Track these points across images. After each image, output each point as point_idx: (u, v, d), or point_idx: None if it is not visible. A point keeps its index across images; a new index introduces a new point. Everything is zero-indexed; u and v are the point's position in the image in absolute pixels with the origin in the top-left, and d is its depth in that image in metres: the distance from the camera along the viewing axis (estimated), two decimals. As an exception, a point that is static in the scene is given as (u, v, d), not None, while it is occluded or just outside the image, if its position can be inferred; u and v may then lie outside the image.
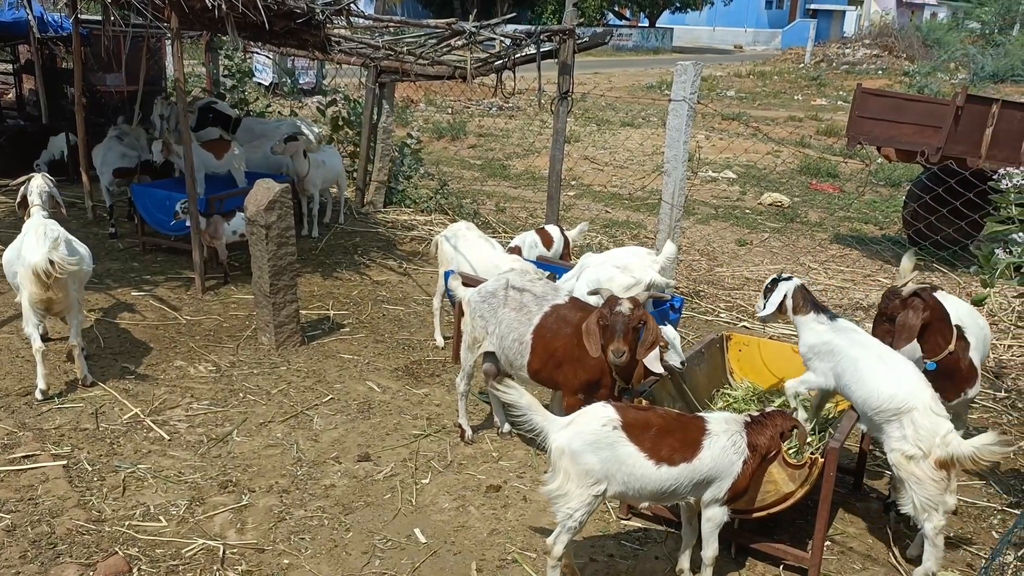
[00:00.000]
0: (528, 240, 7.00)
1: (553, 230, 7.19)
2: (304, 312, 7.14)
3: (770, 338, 6.06)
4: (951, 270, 9.13)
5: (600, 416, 3.61)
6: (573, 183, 13.45)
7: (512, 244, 6.95)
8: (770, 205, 12.47)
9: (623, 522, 4.58)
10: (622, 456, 3.55)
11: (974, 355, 4.49)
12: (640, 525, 4.56)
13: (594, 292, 4.66)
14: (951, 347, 4.32)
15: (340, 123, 11.64)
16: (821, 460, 3.96)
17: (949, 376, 4.39)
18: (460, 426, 5.23)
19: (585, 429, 3.57)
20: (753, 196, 13.07)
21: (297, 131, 9.98)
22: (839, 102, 24.48)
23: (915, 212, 9.74)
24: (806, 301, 4.35)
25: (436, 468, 5.02)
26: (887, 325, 4.30)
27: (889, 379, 3.92)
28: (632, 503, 4.40)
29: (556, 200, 8.37)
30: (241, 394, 5.80)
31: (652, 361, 4.26)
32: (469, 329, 4.95)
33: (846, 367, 4.10)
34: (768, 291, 4.50)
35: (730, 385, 5.22)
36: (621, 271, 5.56)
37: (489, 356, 4.99)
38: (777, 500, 4.13)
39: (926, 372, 4.20)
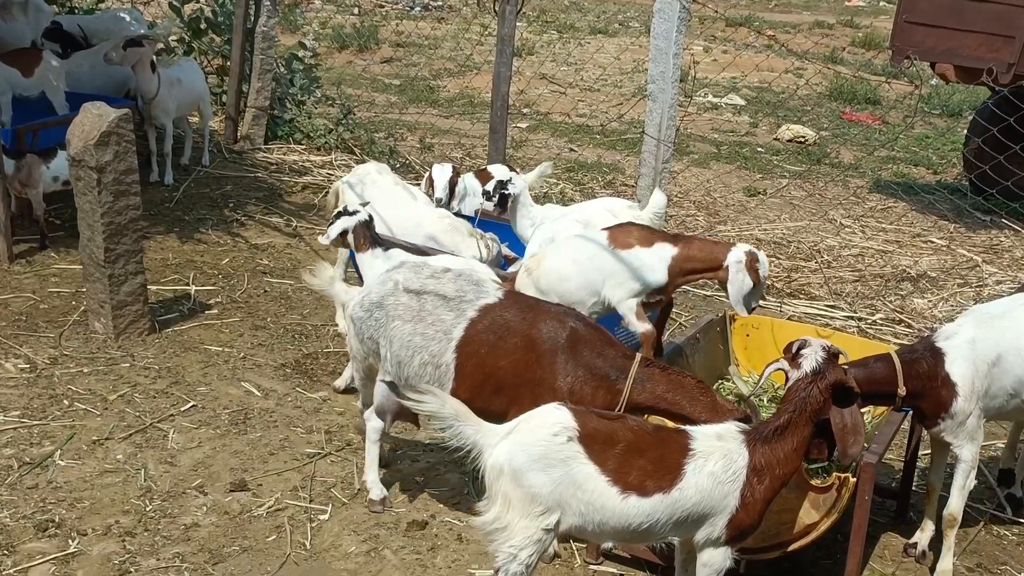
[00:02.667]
0: (463, 186, 6.99)
1: (499, 172, 7.17)
2: (154, 288, 7.05)
3: (788, 318, 6.16)
4: (1026, 227, 9.37)
5: (551, 422, 3.61)
6: (526, 111, 13.46)
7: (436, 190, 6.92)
8: (790, 141, 12.63)
9: (592, 567, 4.62)
10: (578, 478, 3.56)
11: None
12: (615, 571, 4.61)
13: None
14: None
15: (203, 26, 11.44)
16: (853, 480, 4.04)
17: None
18: (365, 485, 5.04)
19: (530, 439, 3.57)
20: (767, 129, 13.22)
21: (135, 31, 9.84)
22: (882, 3, 24.84)
23: (979, 150, 9.92)
24: (367, 239, 5.47)
25: (338, 499, 5.00)
26: None
27: None
28: (595, 541, 4.43)
29: (502, 134, 8.36)
30: (66, 401, 5.72)
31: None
32: (359, 356, 4.86)
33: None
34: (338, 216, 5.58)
35: (731, 378, 5.29)
36: (584, 228, 5.58)
37: (384, 388, 4.82)
38: (796, 534, 4.21)
39: None
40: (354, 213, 5.59)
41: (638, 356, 4.32)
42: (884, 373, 4.26)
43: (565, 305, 4.71)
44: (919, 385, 4.29)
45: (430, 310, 4.51)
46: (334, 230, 5.56)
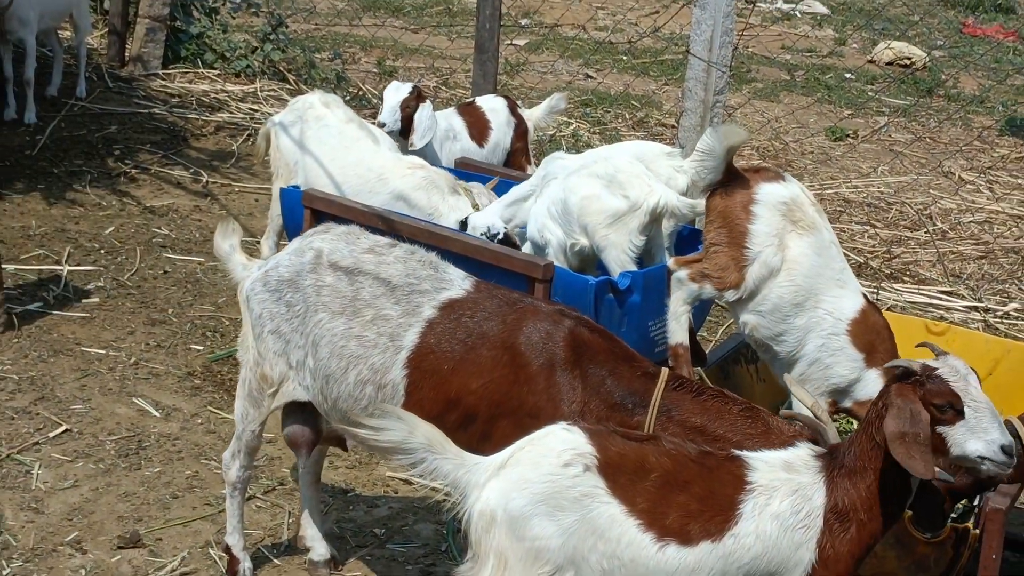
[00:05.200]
0: (431, 121, 6.95)
1: (492, 107, 7.15)
2: (11, 268, 7.06)
3: (887, 309, 6.18)
4: None
5: (560, 448, 3.61)
6: (524, 23, 13.46)
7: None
8: (890, 64, 12.65)
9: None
10: (599, 522, 3.58)
11: None
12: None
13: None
14: None
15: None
16: (975, 531, 4.07)
17: None
18: (228, 549, 4.89)
19: (533, 474, 3.58)
20: (859, 48, 13.23)
21: None
22: None
23: None
24: None
25: (269, 558, 5.03)
26: None
27: None
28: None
29: (492, 54, 8.36)
30: None
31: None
32: (251, 357, 4.64)
33: None
34: None
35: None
36: (607, 186, 5.60)
37: (297, 410, 4.75)
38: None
39: None
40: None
41: (664, 373, 4.24)
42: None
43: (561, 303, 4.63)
44: None
45: (369, 300, 4.38)
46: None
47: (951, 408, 3.57)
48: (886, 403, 3.65)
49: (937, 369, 3.63)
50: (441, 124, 6.98)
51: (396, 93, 6.86)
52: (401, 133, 6.81)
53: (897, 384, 3.66)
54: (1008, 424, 4.16)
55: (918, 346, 3.97)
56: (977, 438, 3.61)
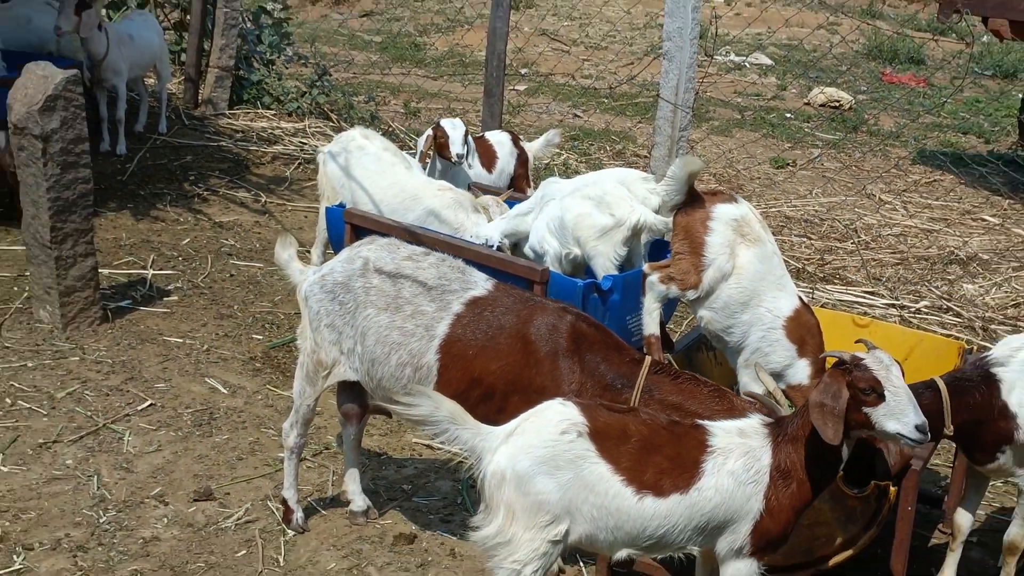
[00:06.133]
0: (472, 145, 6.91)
1: (498, 140, 7.14)
2: (106, 272, 7.06)
3: (821, 306, 6.18)
4: (1089, 204, 9.39)
5: (558, 419, 3.63)
6: (524, 72, 13.44)
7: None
8: (822, 106, 12.64)
9: (601, 586, 4.66)
10: (590, 478, 3.59)
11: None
12: (627, 590, 4.64)
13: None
14: None
15: (159, -24, 11.44)
16: (894, 488, 4.06)
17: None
18: (284, 502, 4.92)
19: (536, 440, 3.60)
20: (797, 93, 13.23)
21: None
22: (927, -51, 24.82)
23: (1038, 116, 9.97)
24: None
25: (317, 509, 5.03)
26: None
27: None
28: (606, 552, 4.46)
29: (498, 98, 8.36)
30: (7, 399, 5.73)
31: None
32: (309, 346, 4.62)
33: None
34: None
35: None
36: (595, 206, 5.61)
37: (347, 388, 4.77)
38: (832, 549, 4.24)
39: None
40: None
41: (647, 361, 4.26)
42: (929, 406, 4.03)
43: (563, 301, 4.64)
44: (971, 418, 4.22)
45: (408, 298, 4.40)
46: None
47: (874, 392, 3.57)
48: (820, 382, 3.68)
49: (864, 360, 3.64)
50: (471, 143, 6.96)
51: (456, 129, 6.81)
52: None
53: (831, 369, 3.68)
54: (932, 382, 4.16)
55: (857, 342, 3.97)
56: (895, 419, 3.61)
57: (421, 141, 6.85)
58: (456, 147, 6.71)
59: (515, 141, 7.23)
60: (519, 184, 7.12)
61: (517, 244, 5.94)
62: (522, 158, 7.21)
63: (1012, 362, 4.31)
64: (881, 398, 3.58)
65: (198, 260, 7.62)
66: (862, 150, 11.11)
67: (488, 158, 6.96)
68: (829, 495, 4.00)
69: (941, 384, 4.22)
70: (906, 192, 9.85)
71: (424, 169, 6.84)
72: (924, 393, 4.12)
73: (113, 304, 6.79)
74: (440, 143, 6.75)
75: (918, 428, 3.58)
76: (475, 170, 6.90)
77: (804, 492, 3.74)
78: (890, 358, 3.70)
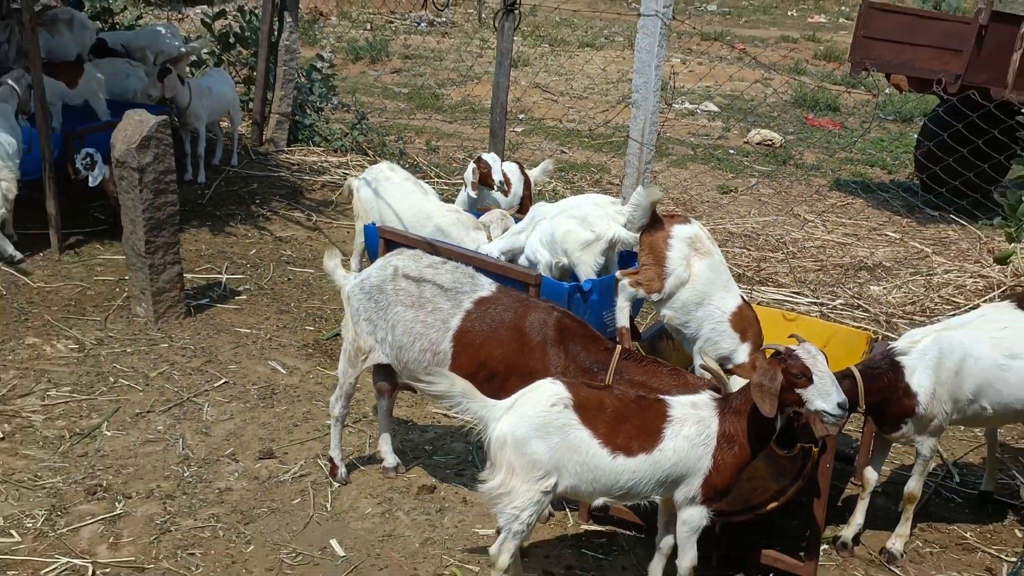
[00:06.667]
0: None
1: (510, 169, 7.09)
2: (189, 276, 7.04)
3: (757, 304, 6.16)
4: (971, 221, 9.38)
5: (548, 395, 3.66)
6: (521, 117, 13.42)
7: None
8: (759, 144, 12.62)
9: (584, 527, 4.65)
10: (574, 442, 3.62)
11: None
12: (604, 530, 4.63)
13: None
14: None
15: (232, 40, 11.41)
16: (816, 449, 4.06)
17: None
18: (331, 459, 4.92)
19: (531, 412, 3.63)
20: (739, 133, 13.21)
21: (157, 45, 9.87)
22: (841, 20, 24.78)
23: (930, 152, 9.96)
24: None
25: (356, 466, 5.02)
26: None
27: None
28: (587, 500, 4.47)
29: (501, 137, 8.35)
30: (111, 378, 5.72)
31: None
32: (351, 336, 4.61)
33: None
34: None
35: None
36: (580, 224, 5.61)
37: (381, 369, 4.73)
38: (766, 498, 4.24)
39: None
40: None
41: (618, 349, 4.28)
42: (848, 390, 4.04)
43: (551, 301, 4.67)
44: (880, 398, 4.26)
45: (429, 298, 4.40)
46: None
47: (804, 376, 3.60)
48: (753, 363, 3.71)
49: (796, 350, 3.66)
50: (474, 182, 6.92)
51: (495, 161, 6.77)
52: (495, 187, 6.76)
53: (768, 357, 3.70)
54: (848, 371, 4.18)
55: (790, 336, 4.00)
56: (821, 398, 3.63)
57: (469, 173, 6.77)
58: (497, 175, 6.72)
59: (522, 169, 7.21)
60: (525, 205, 7.06)
61: (514, 259, 5.93)
62: (527, 183, 7.19)
63: (912, 352, 4.35)
64: (810, 381, 3.60)
65: (262, 267, 7.61)
66: (790, 179, 11.09)
67: (507, 184, 6.94)
68: (764, 455, 3.99)
69: (856, 372, 4.24)
70: (825, 213, 9.83)
71: (467, 192, 6.82)
72: (843, 381, 4.10)
73: (195, 302, 6.78)
74: (483, 173, 6.71)
75: (840, 405, 3.61)
76: (496, 193, 6.84)
77: (744, 453, 3.76)
78: (817, 349, 3.72)
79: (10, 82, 7.54)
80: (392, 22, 20.72)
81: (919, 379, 4.28)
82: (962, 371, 4.33)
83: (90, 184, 7.22)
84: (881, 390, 4.27)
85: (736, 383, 4.24)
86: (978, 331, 4.45)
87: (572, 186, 10.21)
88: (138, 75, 9.41)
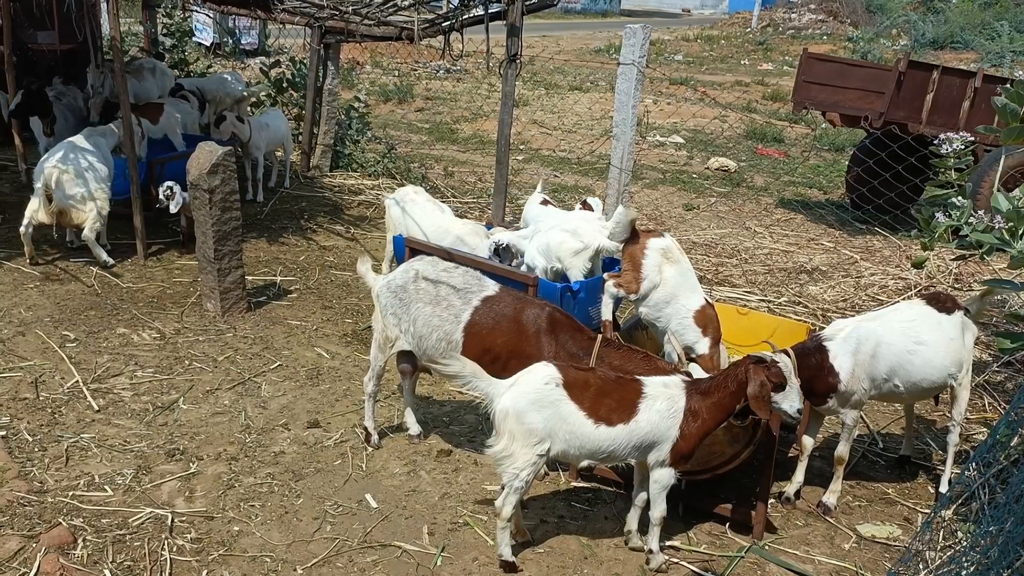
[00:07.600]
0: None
1: (595, 204, 6.68)
2: (250, 278, 7.04)
3: (716, 301, 6.14)
4: (892, 233, 9.36)
5: (543, 375, 3.67)
6: (521, 147, 13.41)
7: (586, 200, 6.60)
8: (717, 170, 12.59)
9: (573, 484, 4.65)
10: (563, 414, 3.62)
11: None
12: (590, 486, 4.63)
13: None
14: None
15: (285, 85, 11.41)
16: (765, 420, 4.06)
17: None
18: (365, 429, 4.91)
19: (528, 388, 3.64)
20: (700, 161, 13.19)
21: (225, 89, 9.89)
22: (785, 67, 24.71)
23: (858, 176, 9.95)
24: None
25: (386, 433, 5.03)
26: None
27: None
28: (575, 463, 4.48)
29: (504, 164, 8.32)
30: (187, 361, 5.72)
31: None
32: (380, 327, 4.60)
33: None
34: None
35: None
36: (571, 235, 5.61)
37: (404, 354, 4.67)
38: (723, 461, 4.24)
39: None
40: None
41: (599, 338, 4.27)
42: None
43: (544, 300, 4.66)
44: (809, 374, 4.24)
45: (444, 296, 4.39)
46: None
47: (781, 385, 3.63)
48: (747, 374, 3.66)
49: (778, 362, 3.68)
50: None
51: (598, 205, 6.58)
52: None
53: (754, 365, 3.69)
54: (784, 351, 4.18)
55: (763, 342, 4.04)
56: (788, 403, 3.70)
57: (578, 207, 6.53)
58: (598, 211, 6.44)
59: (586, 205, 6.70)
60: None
61: (516, 255, 5.96)
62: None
63: (836, 338, 4.35)
64: (783, 388, 3.64)
65: (309, 270, 7.60)
66: (743, 199, 11.07)
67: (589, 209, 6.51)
68: (723, 427, 4.00)
69: (790, 351, 4.24)
70: (772, 226, 9.81)
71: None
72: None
73: (254, 299, 6.78)
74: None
75: (797, 411, 3.72)
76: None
77: (706, 426, 3.75)
78: (788, 361, 3.77)
79: (112, 126, 7.62)
80: (416, 70, 20.70)
81: (841, 361, 4.28)
82: (877, 355, 4.32)
83: (171, 211, 7.24)
84: (810, 368, 4.26)
85: (696, 371, 4.25)
86: (891, 322, 4.45)
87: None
88: (188, 111, 9.40)
